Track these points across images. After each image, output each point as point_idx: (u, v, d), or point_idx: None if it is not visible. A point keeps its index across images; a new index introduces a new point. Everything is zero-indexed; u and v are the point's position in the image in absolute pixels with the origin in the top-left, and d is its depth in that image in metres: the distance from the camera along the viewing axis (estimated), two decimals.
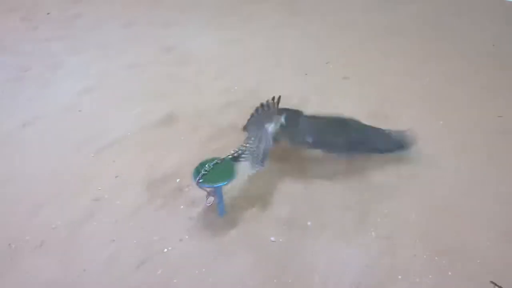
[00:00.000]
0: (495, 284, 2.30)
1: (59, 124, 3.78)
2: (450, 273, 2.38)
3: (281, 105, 3.12)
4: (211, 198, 2.58)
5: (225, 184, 2.49)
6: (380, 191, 2.87)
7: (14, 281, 2.46)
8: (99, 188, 3.05)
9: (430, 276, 2.36)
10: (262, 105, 3.06)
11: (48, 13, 6.22)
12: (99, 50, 5.11)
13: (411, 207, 2.75)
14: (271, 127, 2.87)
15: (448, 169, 3.04)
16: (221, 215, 2.76)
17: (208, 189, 2.57)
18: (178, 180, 3.07)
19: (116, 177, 3.15)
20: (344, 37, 4.97)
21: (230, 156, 2.72)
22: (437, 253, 2.48)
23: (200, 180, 2.46)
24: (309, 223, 2.68)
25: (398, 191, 2.86)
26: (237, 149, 2.78)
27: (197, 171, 2.54)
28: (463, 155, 3.15)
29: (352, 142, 2.92)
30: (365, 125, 3.03)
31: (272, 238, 2.60)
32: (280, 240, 2.59)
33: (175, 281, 2.41)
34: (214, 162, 2.60)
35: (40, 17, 6.13)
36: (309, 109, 3.56)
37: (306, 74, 4.27)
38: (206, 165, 2.56)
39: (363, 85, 4.04)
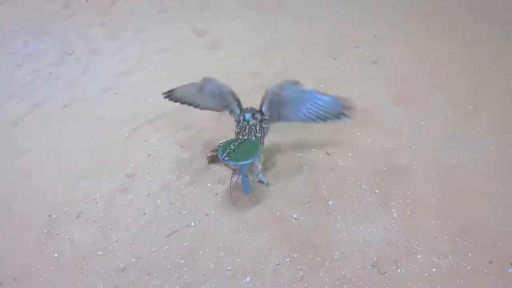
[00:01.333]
0: None
1: (96, 106, 4.00)
2: (470, 255, 2.39)
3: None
4: (236, 176, 2.68)
5: (249, 162, 2.58)
6: (402, 173, 2.89)
7: (54, 247, 2.69)
8: (132, 165, 3.23)
9: (450, 257, 2.38)
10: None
11: (86, 0, 6.47)
12: (135, 35, 5.29)
13: (433, 189, 2.76)
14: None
15: (471, 150, 3.00)
16: (246, 193, 2.86)
17: (233, 167, 2.67)
18: (206, 159, 3.20)
19: (148, 155, 3.31)
20: (377, 20, 4.91)
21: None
22: (458, 234, 2.49)
23: (226, 158, 2.56)
24: (330, 202, 2.74)
25: (420, 173, 2.87)
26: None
27: (223, 149, 2.64)
28: (491, 136, 3.10)
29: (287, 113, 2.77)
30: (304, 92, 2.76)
31: (295, 216, 2.68)
32: (302, 218, 2.68)
33: (200, 252, 2.55)
34: (239, 141, 2.69)
35: (80, 4, 6.38)
36: (333, 92, 3.60)
37: (335, 59, 4.27)
38: (231, 144, 2.66)
39: (391, 69, 4.00)
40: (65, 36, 5.46)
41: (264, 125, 2.79)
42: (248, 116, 2.72)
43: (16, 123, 3.89)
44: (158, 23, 5.55)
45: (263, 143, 2.87)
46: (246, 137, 2.73)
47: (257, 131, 2.78)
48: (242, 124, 2.76)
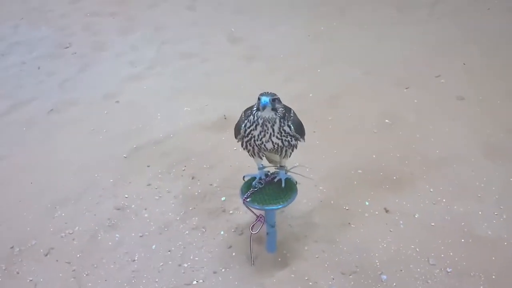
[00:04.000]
0: None
1: (92, 114, 4.09)
2: None
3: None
4: (259, 225, 2.62)
5: (279, 208, 2.53)
6: (487, 248, 2.76)
7: None
8: (126, 196, 3.24)
9: None
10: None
11: None
12: (154, 33, 5.47)
13: None
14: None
15: None
16: (270, 251, 2.79)
17: (257, 212, 2.62)
18: (223, 198, 3.18)
19: (148, 185, 3.32)
20: (469, 43, 4.89)
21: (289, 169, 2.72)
22: None
23: (248, 200, 2.52)
24: (384, 277, 2.63)
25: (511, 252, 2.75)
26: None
27: (247, 187, 2.60)
28: None
29: None
30: None
31: None
32: None
33: None
34: (268, 177, 2.64)
35: None
36: (400, 131, 3.57)
37: (406, 89, 4.24)
38: (258, 181, 2.61)
39: (483, 109, 3.92)
40: (65, 24, 5.69)
41: (291, 130, 2.38)
42: (265, 99, 2.26)
43: None
44: (183, 22, 5.73)
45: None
46: (276, 172, 2.67)
47: (280, 135, 2.35)
48: (253, 120, 2.33)
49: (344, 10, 5.75)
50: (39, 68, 4.82)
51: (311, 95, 4.22)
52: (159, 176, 3.40)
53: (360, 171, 3.35)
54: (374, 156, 3.48)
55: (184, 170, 3.44)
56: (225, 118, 3.90)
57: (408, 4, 5.80)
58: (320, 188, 3.23)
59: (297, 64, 4.73)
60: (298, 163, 2.82)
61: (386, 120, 3.79)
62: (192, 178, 3.37)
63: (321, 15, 5.68)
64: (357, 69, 4.59)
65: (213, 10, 6.02)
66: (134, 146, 3.68)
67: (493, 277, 2.62)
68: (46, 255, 2.86)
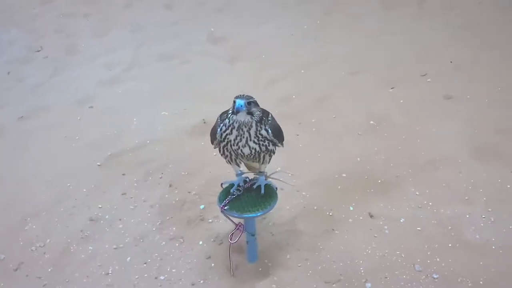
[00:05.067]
0: None
1: (64, 121, 4.09)
2: None
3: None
4: (238, 233, 2.63)
5: (258, 216, 2.54)
6: (475, 253, 2.80)
7: None
8: (100, 206, 3.24)
9: None
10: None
11: None
12: (130, 34, 5.48)
13: None
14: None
15: None
16: (250, 260, 2.81)
17: (235, 221, 2.63)
18: (202, 206, 3.19)
19: (123, 194, 3.33)
20: (456, 41, 4.95)
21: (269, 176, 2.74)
22: None
23: (226, 207, 2.53)
24: (368, 285, 2.66)
25: (500, 257, 2.77)
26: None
27: (225, 194, 2.62)
28: None
29: None
30: None
31: None
32: None
33: None
34: (246, 184, 2.66)
35: None
36: (385, 133, 3.62)
37: (392, 89, 4.28)
38: (235, 188, 2.62)
39: (471, 108, 3.96)
40: (36, 27, 5.68)
41: (268, 134, 2.40)
42: (240, 102, 2.27)
43: None
44: (161, 21, 5.74)
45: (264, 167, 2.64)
46: (256, 178, 2.69)
47: (257, 139, 2.37)
48: (228, 123, 2.34)
49: (329, 8, 5.79)
50: (8, 73, 4.81)
51: (294, 96, 4.25)
52: (135, 184, 3.40)
53: (344, 175, 3.38)
54: (358, 159, 3.52)
55: (161, 177, 3.45)
56: (204, 123, 3.91)
57: (395, 1, 5.85)
58: (303, 193, 3.25)
59: (281, 65, 4.76)
60: (280, 168, 2.85)
61: (371, 122, 3.83)
62: (170, 185, 3.38)
63: (305, 13, 5.72)
64: (342, 70, 4.63)
65: (193, 8, 6.04)
66: (109, 154, 3.69)
67: (481, 282, 2.65)
68: (16, 270, 2.86)
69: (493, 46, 4.81)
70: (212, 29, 5.47)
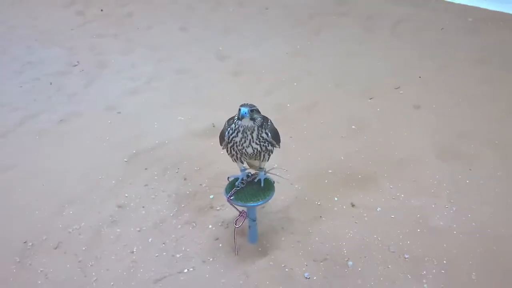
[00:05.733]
0: None
1: (96, 124, 4.08)
2: None
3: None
4: (242, 219, 2.63)
5: (259, 204, 2.55)
6: (439, 237, 2.80)
7: (24, 279, 2.66)
8: (126, 195, 3.24)
9: None
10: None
11: (101, 10, 6.77)
12: (150, 52, 5.47)
13: (475, 262, 2.65)
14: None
15: None
16: (251, 241, 2.81)
17: (239, 209, 2.64)
18: (211, 196, 3.19)
19: (145, 185, 3.32)
20: (425, 60, 4.95)
21: (267, 172, 2.76)
22: None
23: (232, 198, 2.54)
24: (350, 263, 2.66)
25: (460, 240, 2.78)
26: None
27: (231, 186, 2.63)
28: None
29: None
30: None
31: (306, 275, 2.61)
32: (314, 278, 2.60)
33: None
34: (249, 178, 2.67)
35: (94, 13, 6.69)
36: (365, 136, 3.62)
37: (370, 99, 4.28)
38: (240, 181, 2.63)
39: (436, 116, 3.96)
40: (73, 45, 5.68)
41: (268, 137, 2.41)
42: (244, 110, 2.29)
43: (4, 134, 3.98)
44: (177, 42, 5.73)
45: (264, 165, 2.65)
46: (257, 174, 2.70)
47: (258, 141, 2.38)
48: (235, 128, 2.36)
49: (317, 31, 5.79)
50: (50, 83, 4.81)
51: (288, 105, 4.25)
52: (155, 177, 3.40)
53: (330, 171, 3.38)
54: (342, 157, 3.52)
55: (177, 172, 3.45)
56: (213, 126, 3.91)
57: (373, 25, 5.85)
58: (296, 186, 3.25)
59: (277, 78, 4.75)
60: (277, 165, 2.86)
61: (353, 126, 3.83)
62: (184, 179, 3.38)
63: (298, 35, 5.73)
64: (329, 82, 4.62)
65: (203, 31, 6.03)
66: (134, 152, 3.68)
67: (444, 262, 2.67)
68: (56, 248, 2.86)
69: (454, 64, 4.81)
70: (220, 48, 5.46)
